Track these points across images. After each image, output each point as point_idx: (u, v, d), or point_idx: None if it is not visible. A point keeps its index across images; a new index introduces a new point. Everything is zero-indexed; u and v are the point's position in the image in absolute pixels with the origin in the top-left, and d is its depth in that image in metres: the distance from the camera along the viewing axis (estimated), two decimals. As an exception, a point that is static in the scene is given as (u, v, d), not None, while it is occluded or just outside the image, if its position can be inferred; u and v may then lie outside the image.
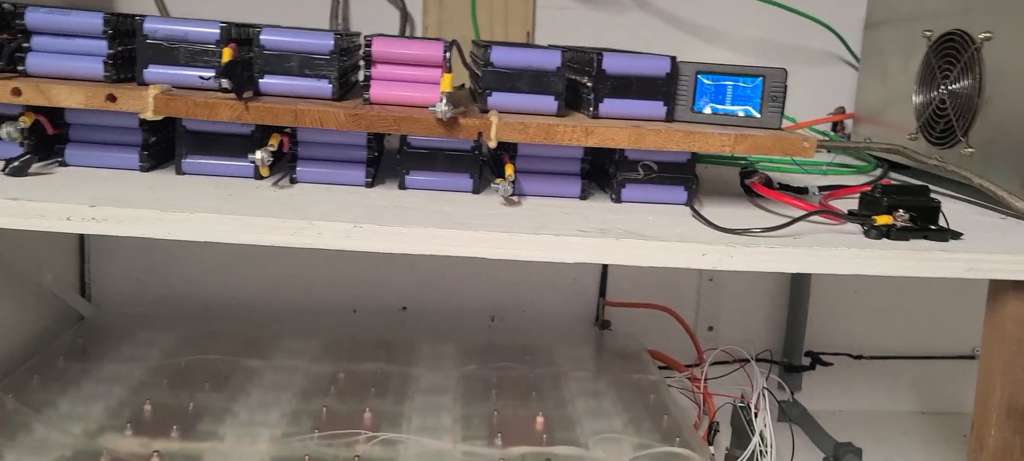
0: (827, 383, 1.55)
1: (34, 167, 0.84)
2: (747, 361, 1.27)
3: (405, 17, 1.45)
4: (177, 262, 1.46)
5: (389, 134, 1.09)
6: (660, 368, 1.40)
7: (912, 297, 1.55)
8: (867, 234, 0.81)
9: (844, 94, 1.47)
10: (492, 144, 0.84)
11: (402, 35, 1.45)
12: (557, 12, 1.47)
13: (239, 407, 1.15)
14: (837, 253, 0.76)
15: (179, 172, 0.89)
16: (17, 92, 0.80)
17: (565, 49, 0.90)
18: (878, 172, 1.21)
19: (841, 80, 1.48)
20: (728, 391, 1.32)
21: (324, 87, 0.88)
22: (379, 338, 1.41)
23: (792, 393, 1.51)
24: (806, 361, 1.53)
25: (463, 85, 1.26)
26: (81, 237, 1.43)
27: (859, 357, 1.55)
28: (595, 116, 0.90)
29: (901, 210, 0.80)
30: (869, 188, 0.87)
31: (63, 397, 1.13)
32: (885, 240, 0.80)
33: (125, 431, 1.04)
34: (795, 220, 0.81)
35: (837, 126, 1.40)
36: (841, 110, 1.41)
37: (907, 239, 0.80)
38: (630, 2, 1.48)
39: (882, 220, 0.80)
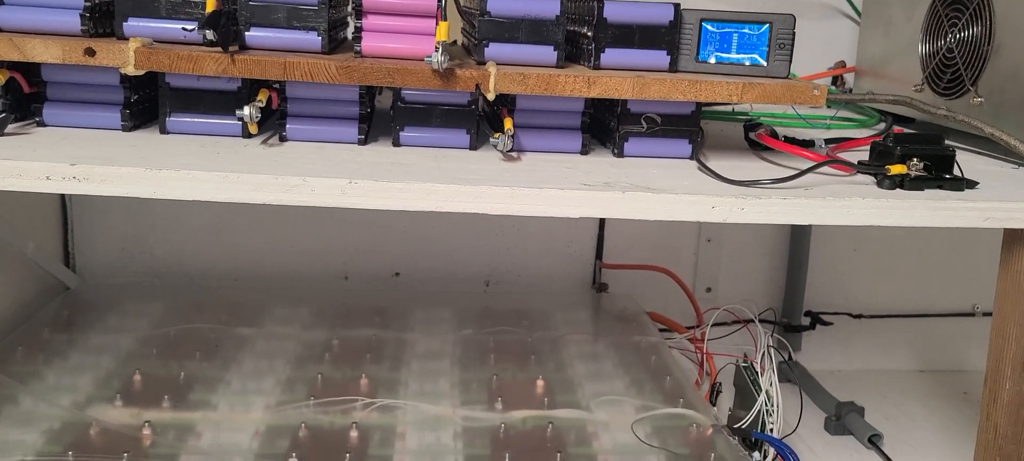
0: (826, 343, 1.54)
1: (10, 127, 0.80)
2: (751, 321, 1.25)
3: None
4: (162, 231, 1.42)
5: (380, 92, 1.06)
6: (660, 330, 1.38)
7: (912, 255, 1.53)
8: (880, 184, 0.78)
9: (844, 48, 1.44)
10: (490, 96, 0.80)
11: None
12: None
13: (231, 376, 1.12)
14: (852, 204, 0.74)
15: (163, 131, 0.85)
16: (-11, 47, 0.76)
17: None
18: (882, 125, 1.18)
19: (841, 34, 1.45)
20: (728, 352, 1.30)
21: (313, 39, 0.84)
22: (372, 304, 1.38)
23: (791, 353, 1.50)
24: (805, 321, 1.51)
25: (455, 42, 1.22)
26: (63, 206, 1.39)
27: (859, 316, 1.53)
28: (596, 67, 0.87)
29: (915, 159, 0.78)
30: (878, 139, 0.85)
31: (49, 369, 1.10)
32: (899, 190, 0.77)
33: (115, 402, 1.01)
34: (806, 171, 0.78)
35: (837, 80, 1.37)
36: (841, 64, 1.38)
37: (921, 189, 0.77)
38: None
39: (896, 169, 0.77)
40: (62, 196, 1.38)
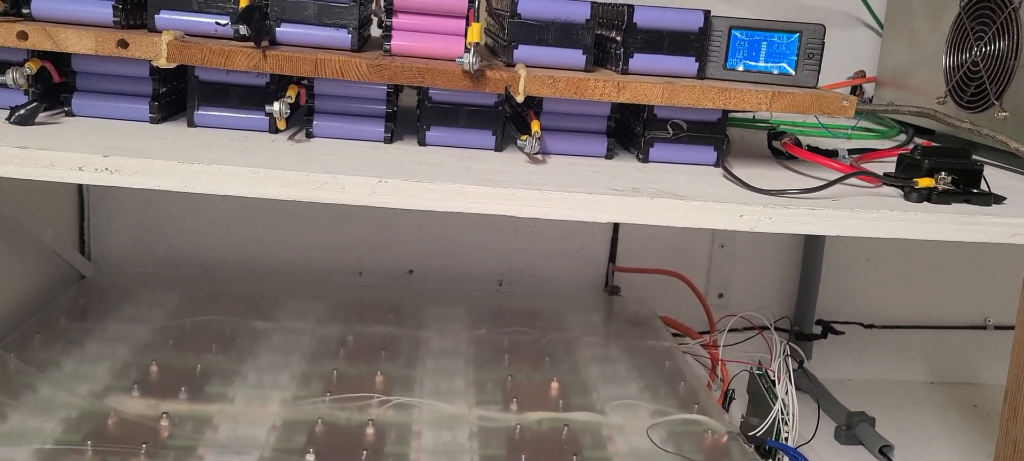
0: (837, 352, 1.54)
1: (40, 117, 0.80)
2: (766, 328, 1.25)
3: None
4: (177, 222, 1.42)
5: (404, 91, 1.06)
6: (673, 335, 1.38)
7: (925, 267, 1.53)
8: (908, 197, 0.78)
9: (864, 58, 1.44)
10: (520, 98, 0.80)
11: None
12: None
13: (247, 369, 1.12)
14: (879, 216, 0.74)
15: (191, 124, 0.85)
16: (23, 36, 0.76)
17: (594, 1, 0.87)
18: (902, 137, 1.18)
19: (861, 43, 1.45)
20: (740, 358, 1.31)
21: (343, 37, 0.84)
22: (386, 301, 1.38)
23: (802, 361, 1.50)
24: (817, 329, 1.51)
25: (480, 44, 1.22)
26: (80, 194, 1.39)
27: (871, 326, 1.53)
28: (624, 72, 0.87)
29: (943, 173, 0.78)
30: (905, 151, 0.85)
31: (66, 357, 1.10)
32: (926, 203, 0.78)
33: (132, 392, 1.02)
34: (833, 182, 0.78)
35: (856, 90, 1.37)
36: (861, 74, 1.38)
37: (949, 203, 0.78)
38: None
39: (923, 183, 0.77)
40: (79, 185, 1.38)
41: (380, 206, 0.71)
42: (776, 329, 1.46)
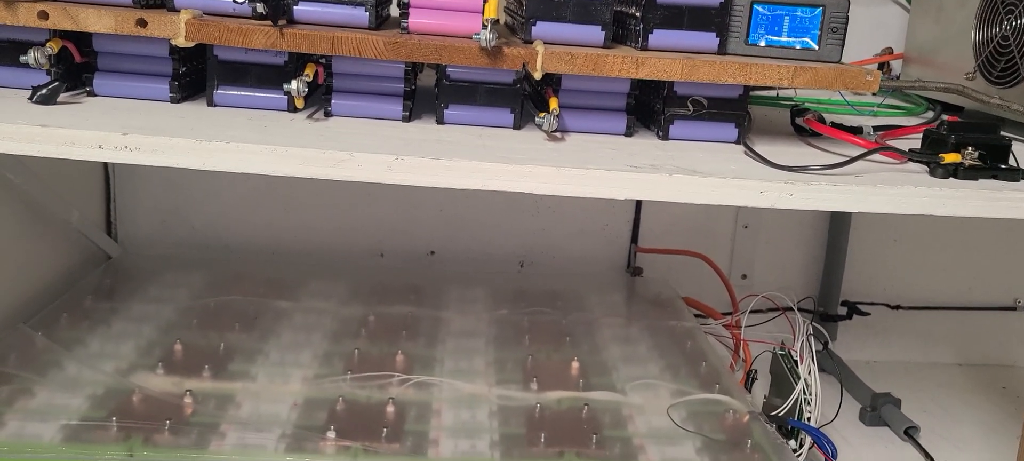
0: (863, 333, 1.52)
1: (62, 96, 0.81)
2: (790, 309, 1.24)
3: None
4: (201, 204, 1.43)
5: (423, 70, 1.05)
6: (695, 315, 1.37)
7: (953, 247, 1.51)
8: (933, 173, 0.77)
9: (891, 35, 1.41)
10: (537, 75, 0.80)
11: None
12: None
13: (269, 348, 1.13)
14: (903, 192, 0.72)
15: (210, 104, 0.86)
16: (44, 15, 0.76)
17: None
18: (929, 114, 1.16)
19: (888, 20, 1.42)
20: (764, 339, 1.29)
21: (360, 15, 0.84)
22: (407, 282, 1.38)
23: (826, 342, 1.48)
24: (842, 310, 1.50)
25: (497, 21, 1.21)
26: (106, 176, 1.41)
27: (897, 307, 1.51)
28: (644, 48, 0.86)
29: (970, 148, 0.76)
30: (930, 127, 0.83)
31: (92, 336, 1.12)
32: (952, 179, 0.76)
33: (157, 370, 1.03)
34: (857, 158, 0.77)
35: (883, 67, 1.35)
36: (888, 50, 1.36)
37: (976, 178, 0.76)
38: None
39: (949, 158, 0.76)
40: (105, 166, 1.40)
41: (397, 183, 0.71)
42: (800, 310, 1.44)
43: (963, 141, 0.77)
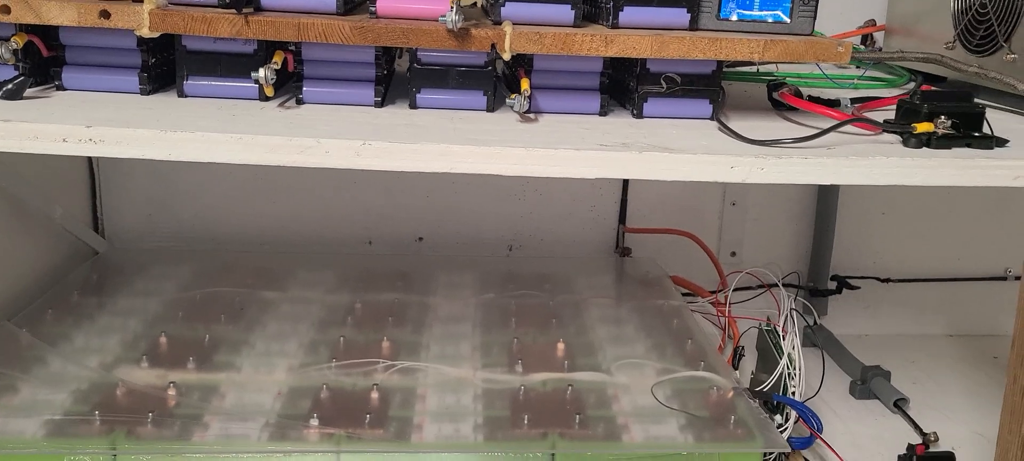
0: (853, 307, 1.52)
1: (30, 91, 0.81)
2: (774, 285, 1.24)
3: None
4: (189, 196, 1.43)
5: (401, 54, 1.05)
6: (683, 294, 1.37)
7: (942, 219, 1.50)
8: (906, 143, 0.76)
9: (874, 6, 1.40)
10: (506, 56, 0.79)
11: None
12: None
13: (255, 338, 1.13)
14: (874, 163, 0.72)
15: (181, 94, 0.85)
16: (6, 10, 0.76)
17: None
18: (911, 85, 1.15)
19: (872, -9, 1.42)
20: (752, 316, 1.29)
21: (328, 1, 0.84)
22: (395, 269, 1.38)
23: (817, 317, 1.48)
24: (832, 285, 1.49)
25: (475, 3, 1.20)
26: (91, 171, 1.40)
27: (887, 280, 1.51)
28: (614, 26, 0.85)
29: (942, 116, 0.75)
30: (904, 97, 0.82)
31: (77, 331, 1.12)
32: (925, 149, 0.75)
33: (141, 363, 1.03)
34: (827, 130, 0.77)
35: (866, 39, 1.34)
36: (871, 22, 1.34)
37: (949, 147, 0.75)
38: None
39: (922, 128, 0.75)
40: (90, 162, 1.40)
41: (365, 168, 0.71)
42: (788, 286, 1.44)
43: (936, 110, 0.76)
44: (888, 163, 0.72)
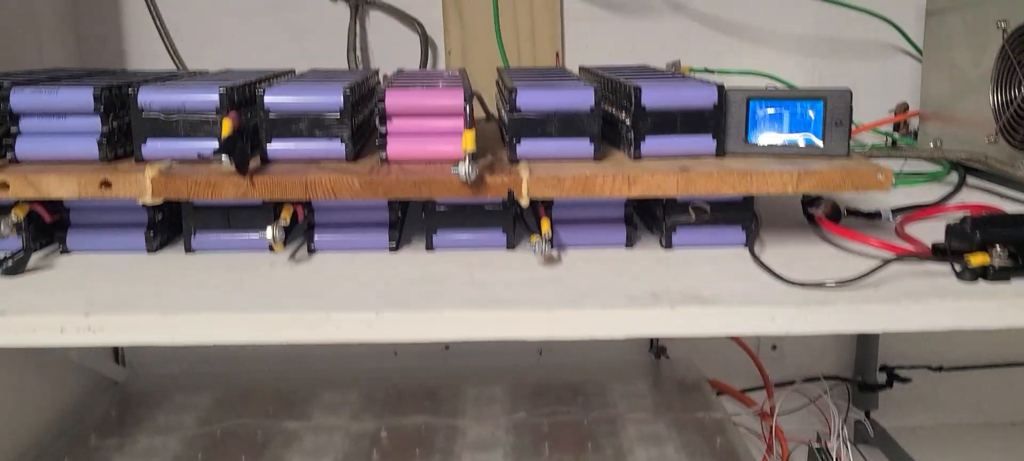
0: (906, 400, 1.44)
1: (34, 258, 0.78)
2: (821, 396, 1.17)
3: (426, 42, 1.37)
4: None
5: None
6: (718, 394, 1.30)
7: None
8: (960, 276, 0.70)
9: (905, 87, 1.36)
10: (524, 202, 0.75)
11: (424, 64, 1.37)
12: (588, 24, 1.38)
13: (277, 479, 1.08)
14: (929, 307, 0.66)
15: (188, 249, 0.82)
16: (5, 186, 0.73)
17: (598, 75, 0.81)
18: (954, 176, 1.09)
19: (901, 71, 1.37)
20: (796, 425, 1.23)
21: (337, 147, 0.80)
22: (422, 385, 1.33)
23: (867, 412, 1.41)
24: (881, 378, 1.42)
25: (489, 117, 1.17)
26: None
27: (940, 368, 1.43)
28: (636, 157, 0.81)
29: (998, 246, 0.69)
30: (949, 209, 0.77)
31: (94, 480, 1.08)
32: (981, 282, 0.70)
33: (158, 518, 0.99)
34: (874, 270, 0.71)
35: (900, 126, 1.28)
36: (904, 107, 1.29)
37: (1008, 280, 0.69)
38: (664, 6, 1.38)
39: (977, 261, 0.69)
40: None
41: (379, 341, 0.67)
42: (831, 379, 1.37)
43: (990, 238, 0.70)
44: (944, 306, 0.66)
